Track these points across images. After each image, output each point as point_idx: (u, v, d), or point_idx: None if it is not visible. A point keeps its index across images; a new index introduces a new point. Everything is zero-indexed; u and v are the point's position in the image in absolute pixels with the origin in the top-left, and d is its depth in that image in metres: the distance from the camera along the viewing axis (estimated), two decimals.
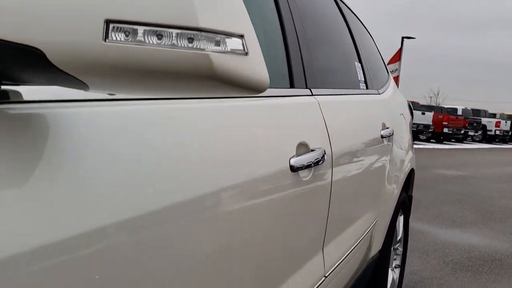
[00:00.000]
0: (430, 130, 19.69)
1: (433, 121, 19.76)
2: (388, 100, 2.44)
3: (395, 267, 2.71)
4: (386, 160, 2.14)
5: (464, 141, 22.62)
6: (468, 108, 25.15)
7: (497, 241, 4.55)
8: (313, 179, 1.22)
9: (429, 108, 21.53)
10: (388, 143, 2.15)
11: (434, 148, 16.84)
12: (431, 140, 20.31)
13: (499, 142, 24.57)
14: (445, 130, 20.42)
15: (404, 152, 2.55)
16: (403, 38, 15.73)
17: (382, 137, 2.01)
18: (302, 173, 1.16)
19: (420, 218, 5.24)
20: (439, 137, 20.60)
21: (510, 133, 25.07)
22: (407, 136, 2.70)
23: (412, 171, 2.78)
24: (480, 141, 23.98)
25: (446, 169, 10.32)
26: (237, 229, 0.90)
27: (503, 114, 27.04)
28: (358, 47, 2.21)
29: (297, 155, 1.13)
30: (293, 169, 1.10)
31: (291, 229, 1.15)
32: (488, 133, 24.25)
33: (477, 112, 25.48)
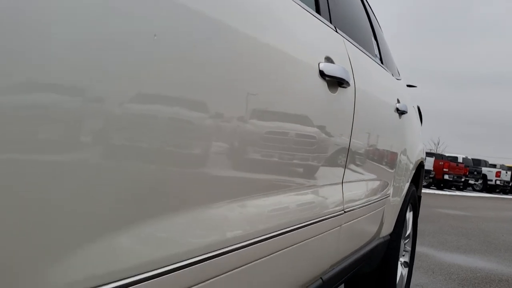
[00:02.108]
0: (431, 176, 19.62)
1: (434, 167, 19.74)
2: (402, 85, 2.47)
3: (403, 263, 2.65)
4: (400, 134, 2.13)
5: (464, 190, 22.52)
6: (469, 157, 25.21)
7: (503, 266, 4.46)
8: (339, 97, 1.23)
9: (430, 154, 21.58)
10: (401, 120, 2.16)
11: (435, 193, 16.75)
12: (432, 187, 20.23)
13: (500, 193, 24.45)
14: (446, 176, 20.38)
15: (415, 138, 2.55)
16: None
17: (397, 110, 2.02)
18: (330, 82, 1.17)
19: (424, 244, 5.16)
20: (440, 184, 20.54)
21: (510, 184, 24.98)
22: (418, 127, 2.71)
23: (421, 165, 2.76)
24: (481, 191, 23.87)
25: (449, 209, 10.23)
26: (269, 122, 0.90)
27: (503, 165, 27.07)
28: (377, 38, 2.26)
29: (326, 62, 1.14)
30: (322, 74, 1.11)
31: (317, 140, 1.15)
32: (489, 182, 24.17)
33: (477, 162, 25.52)
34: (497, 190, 24.42)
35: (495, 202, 16.64)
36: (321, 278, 1.37)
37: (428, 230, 6.25)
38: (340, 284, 1.72)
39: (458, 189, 21.92)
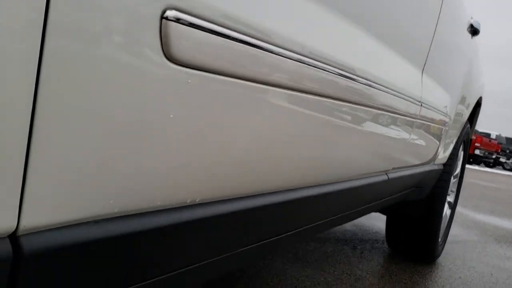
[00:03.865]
0: None
1: None
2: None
3: (448, 203, 2.56)
4: (467, 58, 1.99)
5: (494, 168, 22.01)
6: (502, 135, 24.46)
7: None
8: None
9: None
10: (473, 41, 2.00)
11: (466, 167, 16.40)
12: None
13: None
14: (477, 151, 19.91)
15: (478, 70, 2.39)
16: None
17: (471, 27, 1.86)
18: None
19: (458, 205, 5.04)
20: (469, 159, 20.10)
21: None
22: (479, 58, 2.54)
23: (478, 104, 2.61)
24: (511, 170, 23.29)
25: (480, 181, 10.00)
26: None
27: None
28: None
29: None
30: None
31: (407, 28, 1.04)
32: None
33: (510, 141, 24.78)
34: None
35: None
36: (386, 173, 1.30)
37: (460, 195, 6.10)
38: (394, 197, 1.64)
39: (488, 166, 21.40)
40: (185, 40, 0.44)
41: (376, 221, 3.16)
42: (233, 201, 0.65)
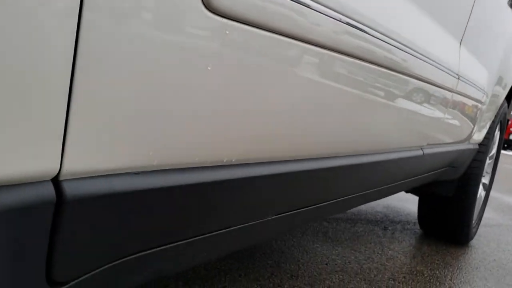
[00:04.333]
0: None
1: None
2: None
3: (483, 184, 2.49)
4: (509, 32, 1.91)
5: None
6: None
7: None
8: None
9: None
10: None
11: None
12: None
13: None
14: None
15: None
16: None
17: None
18: None
19: (492, 190, 4.92)
20: (504, 144, 19.55)
21: None
22: None
23: None
24: None
25: None
26: None
27: None
28: None
29: None
30: None
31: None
32: None
33: None
34: None
35: None
36: (421, 149, 1.27)
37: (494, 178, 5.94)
38: (428, 175, 1.61)
39: None
40: None
41: (407, 203, 3.11)
42: (268, 164, 0.64)
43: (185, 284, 1.32)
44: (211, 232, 0.62)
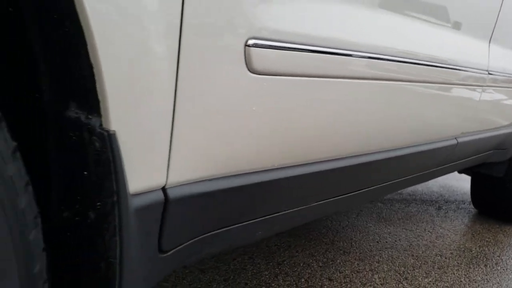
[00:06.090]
0: None
1: None
2: None
3: None
4: None
5: None
6: None
7: None
8: None
9: None
10: None
11: None
12: None
13: None
14: None
15: None
16: None
17: None
18: None
19: None
20: None
21: None
22: None
23: None
24: None
25: None
26: None
27: None
28: None
29: None
30: None
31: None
32: None
33: None
34: None
35: None
36: (455, 138, 1.42)
37: None
38: (467, 160, 1.74)
39: None
40: (260, 58, 0.65)
41: (464, 182, 3.17)
42: (307, 165, 0.86)
43: (250, 258, 1.58)
44: (265, 216, 0.85)
